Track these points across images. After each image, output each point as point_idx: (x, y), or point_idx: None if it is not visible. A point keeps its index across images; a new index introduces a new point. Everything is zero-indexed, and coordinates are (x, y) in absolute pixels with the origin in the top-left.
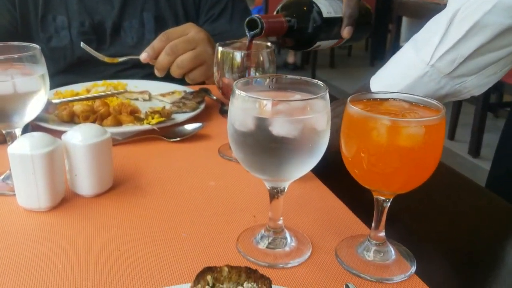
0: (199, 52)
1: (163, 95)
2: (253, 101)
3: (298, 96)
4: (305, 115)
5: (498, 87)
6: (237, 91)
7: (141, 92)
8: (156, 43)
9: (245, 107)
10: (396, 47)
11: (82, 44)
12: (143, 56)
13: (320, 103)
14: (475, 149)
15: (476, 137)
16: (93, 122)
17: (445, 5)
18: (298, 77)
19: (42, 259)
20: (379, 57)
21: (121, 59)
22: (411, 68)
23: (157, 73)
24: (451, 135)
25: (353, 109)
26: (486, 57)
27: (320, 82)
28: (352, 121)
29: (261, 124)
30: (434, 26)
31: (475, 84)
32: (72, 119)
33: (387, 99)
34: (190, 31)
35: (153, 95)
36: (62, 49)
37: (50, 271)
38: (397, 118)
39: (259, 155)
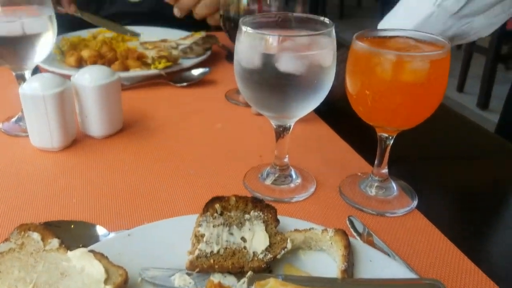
0: None
1: (183, 38)
2: (260, 37)
3: (304, 32)
4: (310, 51)
5: (510, 37)
6: (244, 28)
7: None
8: None
9: (252, 43)
10: None
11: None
12: None
13: (325, 39)
14: (484, 102)
15: (486, 89)
16: None
17: None
18: (304, 15)
19: (58, 194)
20: (389, 7)
21: None
22: (418, 9)
23: (177, 13)
24: (460, 87)
25: (358, 44)
26: None
27: (326, 19)
28: (357, 57)
29: (267, 61)
30: None
31: (483, 24)
32: (80, 64)
33: (393, 37)
34: None
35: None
36: None
37: (66, 204)
38: (401, 53)
39: (265, 92)
